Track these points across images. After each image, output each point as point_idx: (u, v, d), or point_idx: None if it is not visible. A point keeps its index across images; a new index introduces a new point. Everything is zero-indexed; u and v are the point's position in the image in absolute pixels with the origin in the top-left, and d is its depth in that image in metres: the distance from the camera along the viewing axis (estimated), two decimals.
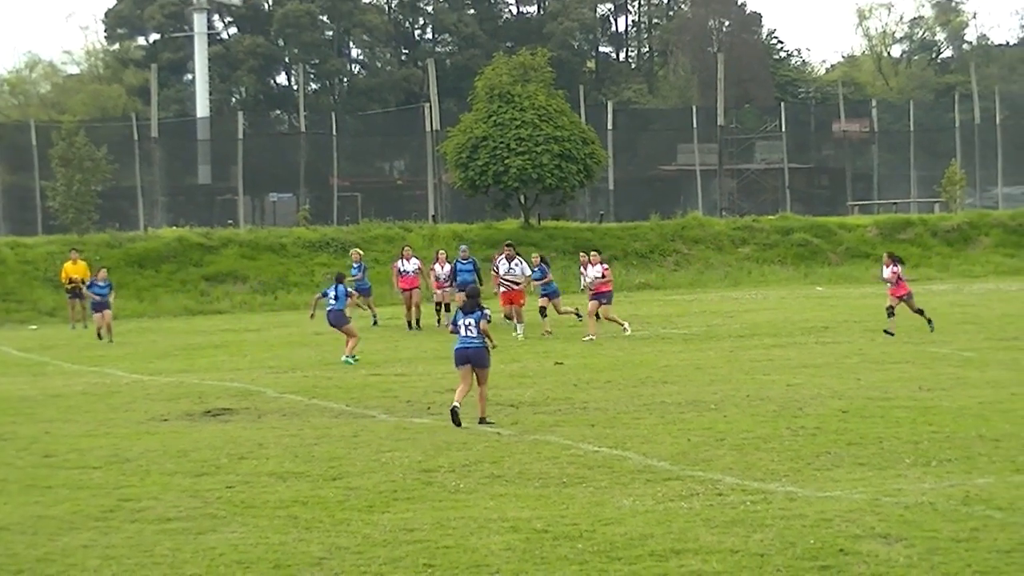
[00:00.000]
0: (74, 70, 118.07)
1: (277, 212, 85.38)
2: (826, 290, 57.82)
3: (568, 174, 65.89)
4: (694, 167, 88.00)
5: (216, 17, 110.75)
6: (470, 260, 41.40)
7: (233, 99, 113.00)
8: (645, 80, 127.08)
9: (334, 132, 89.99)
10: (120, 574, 12.82)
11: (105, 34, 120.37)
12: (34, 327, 45.46)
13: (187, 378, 30.91)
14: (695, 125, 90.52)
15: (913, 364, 28.79)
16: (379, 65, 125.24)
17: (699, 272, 65.44)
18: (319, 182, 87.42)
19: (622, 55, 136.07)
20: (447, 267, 41.77)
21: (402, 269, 42.71)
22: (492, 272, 40.78)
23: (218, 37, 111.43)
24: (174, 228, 69.05)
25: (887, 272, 36.49)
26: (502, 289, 39.54)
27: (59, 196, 69.42)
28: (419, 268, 42.91)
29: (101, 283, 42.38)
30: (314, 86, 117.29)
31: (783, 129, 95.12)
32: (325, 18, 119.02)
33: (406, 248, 44.47)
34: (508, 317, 39.15)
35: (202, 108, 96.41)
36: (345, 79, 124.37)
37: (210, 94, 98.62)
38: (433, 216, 76.10)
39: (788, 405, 23.06)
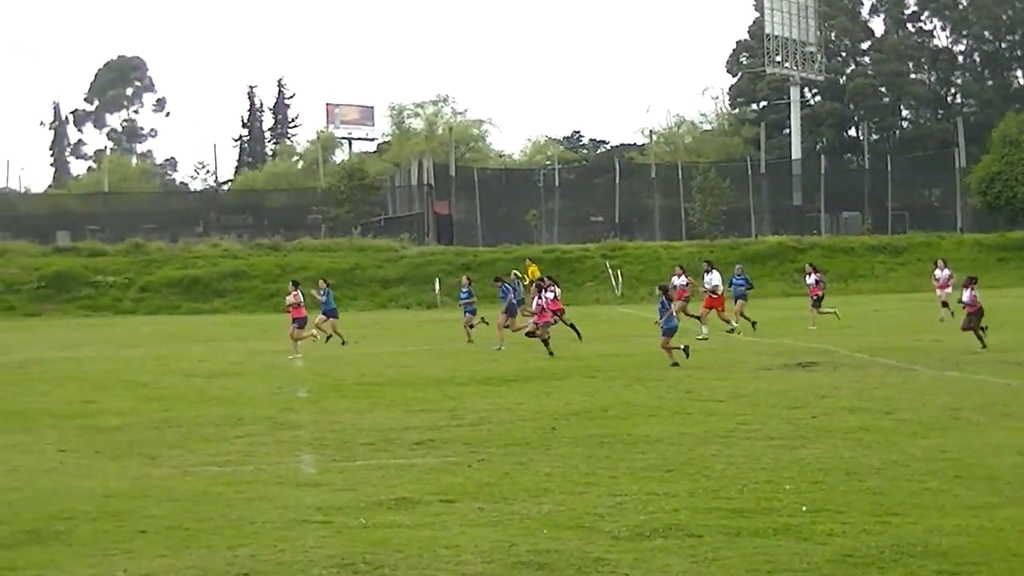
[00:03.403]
0: (707, 127, 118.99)
1: (848, 225, 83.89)
2: None
3: None
4: None
5: (806, 89, 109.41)
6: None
7: (817, 146, 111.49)
8: None
9: (888, 169, 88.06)
10: (738, 474, 12.73)
11: (729, 102, 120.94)
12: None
13: (783, 340, 30.66)
14: None
15: None
16: (921, 122, 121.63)
17: None
18: (877, 203, 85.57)
19: None
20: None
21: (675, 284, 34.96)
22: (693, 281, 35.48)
23: (807, 104, 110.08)
24: (775, 235, 69.05)
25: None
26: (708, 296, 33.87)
27: (696, 214, 70.55)
28: (689, 282, 35.24)
29: (321, 292, 34.00)
30: (875, 136, 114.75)
31: None
32: (883, 89, 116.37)
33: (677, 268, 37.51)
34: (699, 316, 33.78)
35: (796, 152, 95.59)
36: (896, 131, 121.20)
37: (801, 143, 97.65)
38: (960, 228, 73.69)
39: None
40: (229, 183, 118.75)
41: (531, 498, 11.84)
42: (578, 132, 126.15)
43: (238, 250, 63.02)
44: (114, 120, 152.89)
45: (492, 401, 19.69)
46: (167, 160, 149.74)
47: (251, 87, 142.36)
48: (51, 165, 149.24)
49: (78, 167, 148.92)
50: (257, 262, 59.58)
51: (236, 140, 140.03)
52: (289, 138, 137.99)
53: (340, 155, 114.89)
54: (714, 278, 33.97)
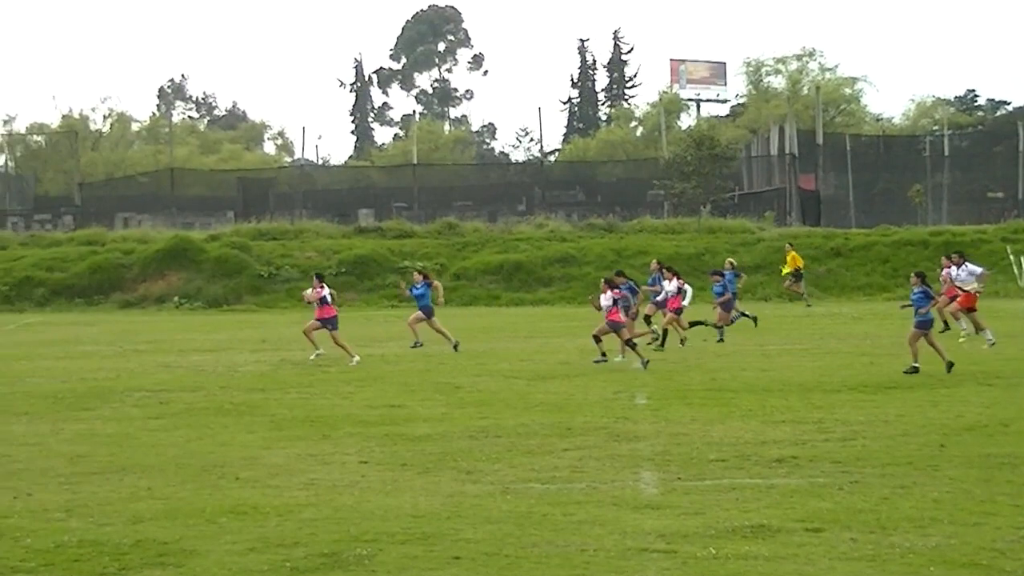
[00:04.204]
0: None
1: None
2: None
3: None
4: None
5: None
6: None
7: None
8: None
9: None
10: None
11: None
12: None
13: None
14: None
15: None
16: None
17: None
18: None
19: None
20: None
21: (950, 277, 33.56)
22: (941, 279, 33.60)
23: None
24: None
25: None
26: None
27: None
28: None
29: (418, 286, 33.38)
30: None
31: None
32: None
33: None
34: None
35: None
36: None
37: None
38: None
39: None
40: (556, 153, 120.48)
41: (915, 529, 11.71)
42: (973, 91, 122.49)
43: (566, 231, 63.88)
44: (424, 80, 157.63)
45: (867, 412, 19.49)
46: (484, 126, 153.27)
47: (582, 41, 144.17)
48: (352, 133, 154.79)
49: (383, 135, 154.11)
50: (589, 245, 60.29)
51: (564, 103, 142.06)
52: (626, 100, 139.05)
53: (686, 120, 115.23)
54: (963, 272, 32.59)
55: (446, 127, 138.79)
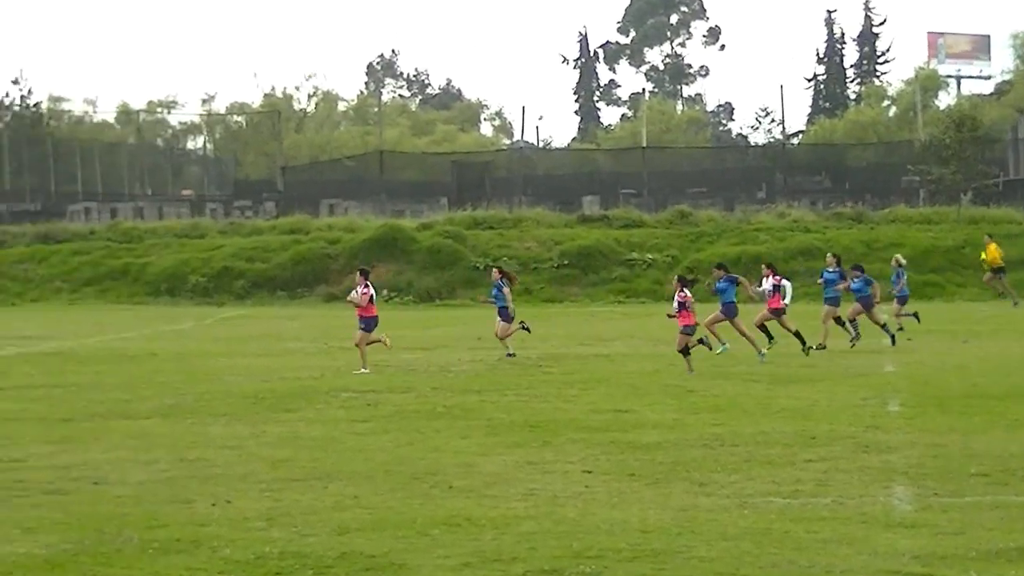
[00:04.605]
0: None
1: None
2: None
3: None
4: None
5: None
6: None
7: None
8: None
9: None
10: None
11: None
12: None
13: None
14: None
15: None
16: None
17: None
18: None
19: None
20: None
21: None
22: None
23: None
24: None
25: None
26: None
27: None
28: None
29: (497, 284, 32.53)
30: None
31: None
32: None
33: None
34: None
35: None
36: None
37: None
38: None
39: None
40: (800, 135, 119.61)
41: None
42: None
43: (811, 221, 63.41)
44: (654, 56, 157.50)
45: None
46: (721, 106, 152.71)
47: (829, 12, 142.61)
48: (576, 113, 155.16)
49: (609, 115, 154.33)
50: (835, 236, 59.66)
51: (809, 80, 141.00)
52: (878, 77, 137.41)
53: (945, 98, 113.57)
54: None
55: (679, 107, 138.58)
